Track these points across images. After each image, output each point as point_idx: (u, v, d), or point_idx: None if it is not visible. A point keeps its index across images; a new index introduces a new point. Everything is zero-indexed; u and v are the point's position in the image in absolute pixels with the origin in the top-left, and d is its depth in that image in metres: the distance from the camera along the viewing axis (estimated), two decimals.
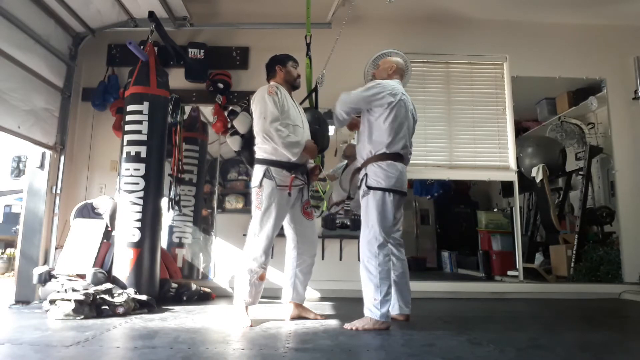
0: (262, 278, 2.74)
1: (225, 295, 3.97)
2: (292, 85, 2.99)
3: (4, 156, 6.54)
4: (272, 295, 3.53)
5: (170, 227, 4.12)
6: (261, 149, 2.80)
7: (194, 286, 3.63)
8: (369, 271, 2.56)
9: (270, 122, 2.67)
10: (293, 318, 2.84)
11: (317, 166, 3.03)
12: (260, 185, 2.73)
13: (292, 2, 4.00)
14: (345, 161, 4.54)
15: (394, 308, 2.78)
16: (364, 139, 2.76)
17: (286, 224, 2.91)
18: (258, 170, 2.77)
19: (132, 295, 3.03)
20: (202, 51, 4.36)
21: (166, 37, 3.93)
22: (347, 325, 2.55)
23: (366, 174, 2.69)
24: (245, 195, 4.39)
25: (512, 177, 4.44)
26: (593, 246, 4.55)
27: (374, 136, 2.70)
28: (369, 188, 2.64)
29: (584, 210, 4.74)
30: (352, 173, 2.96)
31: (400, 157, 2.73)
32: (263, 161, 2.77)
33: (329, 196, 4.32)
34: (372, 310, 2.53)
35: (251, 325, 2.60)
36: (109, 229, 3.67)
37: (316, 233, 3.01)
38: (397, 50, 4.02)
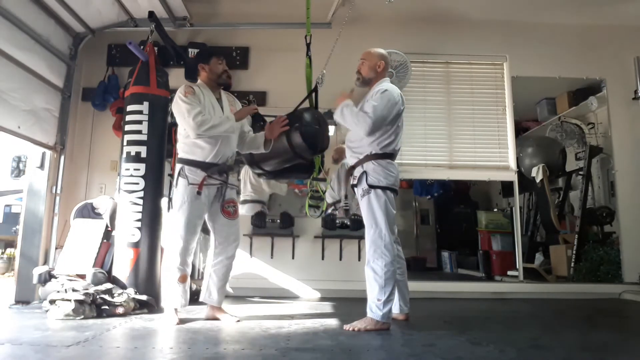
0: (183, 279, 2.73)
1: (224, 295, 3.96)
2: (217, 82, 2.90)
3: (4, 156, 6.55)
4: (273, 295, 3.54)
5: None
6: (180, 149, 2.82)
7: (194, 286, 3.62)
8: (374, 271, 2.54)
9: (193, 118, 2.63)
10: (207, 319, 2.81)
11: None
12: (176, 184, 2.75)
13: (292, 2, 4.00)
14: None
15: (395, 307, 2.76)
16: (364, 137, 2.67)
17: (208, 224, 2.89)
18: (176, 170, 2.80)
19: (132, 295, 3.03)
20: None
21: (166, 37, 3.93)
22: (348, 327, 2.54)
23: (365, 172, 2.64)
24: None
25: (512, 177, 4.44)
26: (593, 246, 4.55)
27: (377, 134, 2.64)
28: (370, 187, 2.60)
29: (584, 210, 4.74)
30: (346, 172, 2.92)
31: (394, 155, 2.73)
32: (180, 160, 2.79)
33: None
34: (373, 310, 2.52)
35: (178, 323, 2.62)
36: (109, 229, 3.67)
37: (238, 234, 2.89)
38: (397, 50, 4.04)
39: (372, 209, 2.60)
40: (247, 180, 4.45)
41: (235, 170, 2.96)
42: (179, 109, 2.70)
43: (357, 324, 2.53)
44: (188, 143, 2.77)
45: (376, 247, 2.56)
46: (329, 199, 4.37)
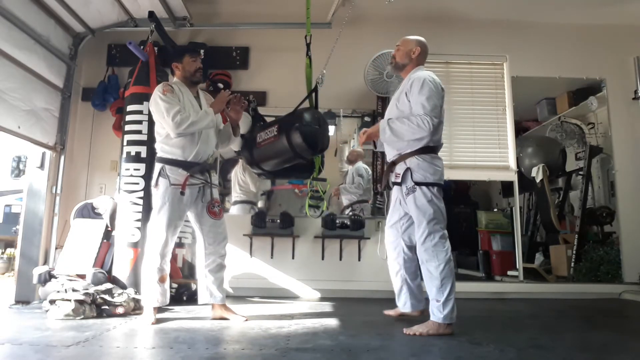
0: (162, 280, 2.75)
1: (225, 293, 3.96)
2: (191, 80, 2.88)
3: (4, 156, 6.55)
4: (273, 295, 3.54)
5: None
6: (159, 148, 2.80)
7: (194, 286, 3.62)
8: (429, 272, 2.43)
9: (172, 117, 2.62)
10: (215, 319, 2.82)
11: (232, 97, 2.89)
12: (157, 184, 2.73)
13: (292, 2, 4.00)
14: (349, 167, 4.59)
15: (406, 305, 2.74)
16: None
17: (193, 225, 2.88)
18: (155, 170, 2.77)
19: (132, 295, 3.03)
20: (202, 51, 4.35)
21: (166, 37, 3.93)
22: (407, 331, 2.40)
23: (409, 169, 2.50)
24: None
25: (512, 177, 4.43)
26: (593, 246, 4.54)
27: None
28: (417, 184, 2.46)
29: (584, 210, 4.74)
30: (387, 168, 2.73)
31: (438, 148, 2.60)
32: (160, 160, 2.78)
33: (329, 196, 4.33)
34: (434, 312, 2.39)
35: (154, 323, 2.63)
36: (109, 229, 3.67)
37: (226, 232, 2.89)
38: None
39: (418, 207, 2.47)
40: (235, 182, 4.47)
41: (215, 169, 2.96)
42: (158, 108, 2.69)
43: (418, 328, 2.40)
44: (168, 142, 2.76)
45: (426, 247, 2.44)
46: (346, 201, 4.36)
